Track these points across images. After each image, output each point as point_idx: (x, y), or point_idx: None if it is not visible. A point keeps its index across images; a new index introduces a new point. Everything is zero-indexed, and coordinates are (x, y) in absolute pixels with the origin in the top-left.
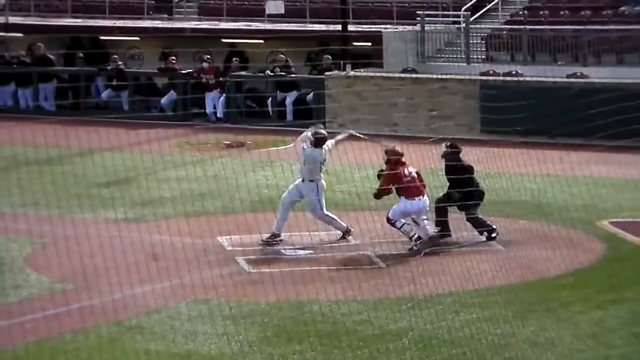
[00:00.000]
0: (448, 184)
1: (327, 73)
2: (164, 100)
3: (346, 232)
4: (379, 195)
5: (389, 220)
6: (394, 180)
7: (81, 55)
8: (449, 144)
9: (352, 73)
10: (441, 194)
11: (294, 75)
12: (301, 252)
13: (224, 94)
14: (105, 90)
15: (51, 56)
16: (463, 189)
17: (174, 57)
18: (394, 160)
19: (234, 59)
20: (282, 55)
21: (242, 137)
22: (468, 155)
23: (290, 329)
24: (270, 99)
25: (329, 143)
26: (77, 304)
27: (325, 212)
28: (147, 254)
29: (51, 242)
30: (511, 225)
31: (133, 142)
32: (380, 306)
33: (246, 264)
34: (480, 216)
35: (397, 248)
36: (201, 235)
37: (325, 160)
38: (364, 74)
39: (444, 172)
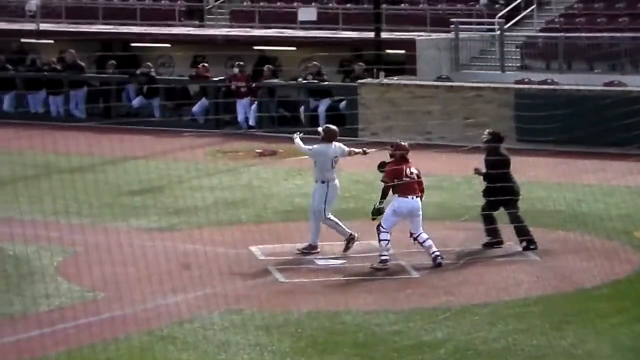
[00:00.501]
0: (485, 181)
1: (360, 80)
2: (195, 108)
3: (350, 240)
4: (384, 190)
5: (378, 227)
6: (396, 176)
7: (114, 62)
8: (491, 131)
9: (385, 81)
10: (484, 202)
11: (326, 82)
12: (334, 261)
13: (255, 102)
14: (136, 98)
15: (82, 63)
16: (500, 183)
17: (205, 64)
18: (399, 156)
19: (266, 66)
20: (314, 63)
21: (274, 145)
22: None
23: (324, 340)
24: (302, 106)
25: (345, 148)
26: (109, 314)
27: (328, 215)
28: (179, 263)
29: (83, 251)
30: (547, 235)
31: (164, 150)
32: (415, 316)
33: (279, 274)
34: (525, 222)
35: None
36: (233, 245)
37: (337, 157)
38: (397, 81)
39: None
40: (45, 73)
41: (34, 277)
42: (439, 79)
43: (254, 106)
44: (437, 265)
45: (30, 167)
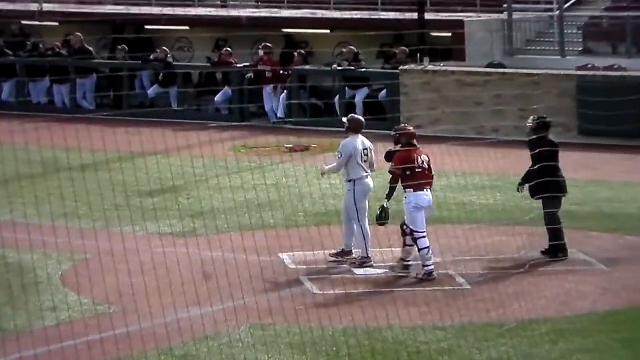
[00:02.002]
0: (529, 180)
1: (402, 67)
2: (218, 98)
3: (346, 254)
4: (391, 182)
5: (406, 230)
6: (407, 161)
7: (125, 47)
8: (536, 117)
9: (430, 67)
10: (546, 208)
11: (364, 69)
12: (374, 271)
13: (285, 91)
14: (151, 87)
15: (90, 48)
16: (546, 177)
17: (228, 49)
18: (406, 142)
19: (296, 51)
20: (350, 47)
21: (305, 139)
22: (564, 159)
23: (363, 359)
24: (337, 96)
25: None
26: (123, 329)
27: (364, 222)
28: (200, 273)
29: (93, 259)
30: (616, 241)
31: (182, 145)
32: (465, 333)
33: (312, 285)
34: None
35: (484, 266)
36: (260, 252)
37: (367, 150)
38: (444, 68)
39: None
40: (49, 59)
41: (38, 288)
42: (491, 65)
43: (283, 95)
44: (425, 278)
45: (36, 164)
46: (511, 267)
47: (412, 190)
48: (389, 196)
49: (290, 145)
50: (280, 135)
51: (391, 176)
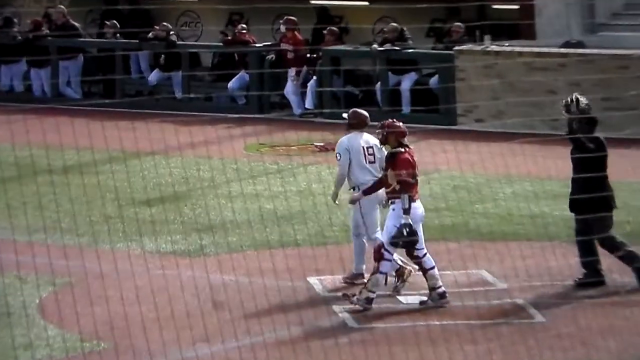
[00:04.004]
0: (571, 187)
1: (457, 47)
2: (232, 84)
3: (355, 277)
4: (400, 188)
5: (381, 245)
6: (410, 166)
7: (115, 22)
8: (574, 98)
9: (492, 47)
10: (578, 223)
11: (411, 49)
12: (424, 299)
13: (314, 76)
14: (151, 72)
15: (76, 24)
16: (592, 190)
17: (244, 25)
18: (395, 141)
19: (327, 28)
20: (394, 24)
21: (339, 136)
22: None
23: None
24: (379, 83)
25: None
26: None
27: (375, 235)
28: (207, 302)
29: (78, 283)
30: None
31: (187, 143)
32: None
33: (348, 316)
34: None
35: (561, 294)
36: (282, 276)
37: (372, 148)
38: (509, 48)
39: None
40: (27, 37)
41: (9, 320)
42: (567, 44)
43: (312, 82)
44: (439, 303)
45: (8, 166)
46: (597, 295)
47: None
48: (409, 210)
49: (320, 144)
50: (308, 131)
51: (399, 186)
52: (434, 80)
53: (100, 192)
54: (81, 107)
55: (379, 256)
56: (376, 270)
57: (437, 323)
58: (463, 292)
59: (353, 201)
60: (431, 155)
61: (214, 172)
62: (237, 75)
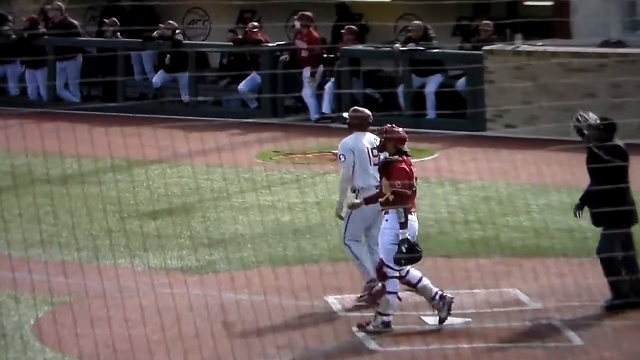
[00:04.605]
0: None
1: (486, 47)
2: (242, 86)
3: (371, 287)
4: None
5: (382, 264)
6: (406, 176)
7: (115, 20)
8: (600, 118)
9: (524, 47)
10: (600, 240)
11: (436, 49)
12: (454, 319)
13: (331, 78)
14: (156, 73)
15: (75, 22)
16: (611, 203)
17: (255, 24)
18: (393, 148)
19: (346, 26)
20: (418, 22)
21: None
22: None
23: None
24: (401, 86)
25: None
26: None
27: (347, 241)
28: (218, 322)
29: (77, 302)
30: None
31: (196, 150)
32: None
33: (370, 338)
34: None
35: (600, 314)
36: (298, 294)
37: (373, 150)
38: (542, 48)
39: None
40: (21, 36)
41: (5, 341)
42: (606, 43)
43: (329, 84)
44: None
45: (1, 175)
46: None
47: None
48: (406, 224)
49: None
50: (325, 137)
51: (393, 196)
52: (460, 83)
53: (101, 204)
54: (80, 112)
55: (382, 275)
56: (383, 291)
57: (467, 346)
58: (495, 312)
59: (354, 206)
60: (459, 164)
61: (224, 182)
62: (248, 77)
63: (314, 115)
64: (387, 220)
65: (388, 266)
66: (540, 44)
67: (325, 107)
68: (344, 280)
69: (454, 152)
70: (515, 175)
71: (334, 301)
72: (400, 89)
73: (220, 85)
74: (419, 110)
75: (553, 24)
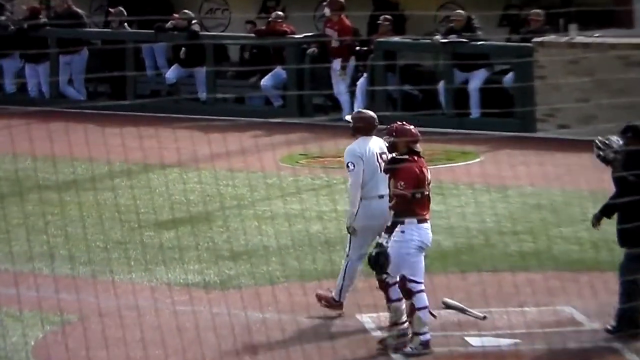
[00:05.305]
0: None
1: (536, 39)
2: (265, 82)
3: (332, 304)
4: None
5: (404, 280)
6: (418, 183)
7: (121, 9)
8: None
9: (579, 38)
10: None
11: (481, 41)
12: (496, 341)
13: (364, 74)
14: (170, 68)
15: (80, 11)
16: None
17: (280, 13)
18: (404, 147)
19: (382, 16)
20: (461, 11)
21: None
22: None
23: None
24: (442, 81)
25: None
26: None
27: (352, 264)
28: (241, 344)
29: (80, 322)
30: None
31: (211, 153)
32: None
33: None
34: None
35: None
36: (330, 312)
37: (385, 153)
38: (599, 39)
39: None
40: (21, 26)
41: None
42: None
43: (362, 80)
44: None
45: None
46: None
47: (414, 221)
48: (391, 230)
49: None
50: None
51: (394, 199)
52: (508, 78)
53: (107, 213)
54: (85, 111)
55: (407, 293)
56: (414, 308)
57: None
58: (548, 332)
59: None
60: (507, 168)
61: (246, 189)
62: (272, 72)
63: (345, 114)
64: (402, 232)
65: (412, 280)
66: (598, 34)
67: (358, 106)
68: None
69: (501, 155)
70: (571, 180)
71: (368, 320)
72: (441, 86)
73: (249, 82)
74: (462, 109)
75: (612, 13)
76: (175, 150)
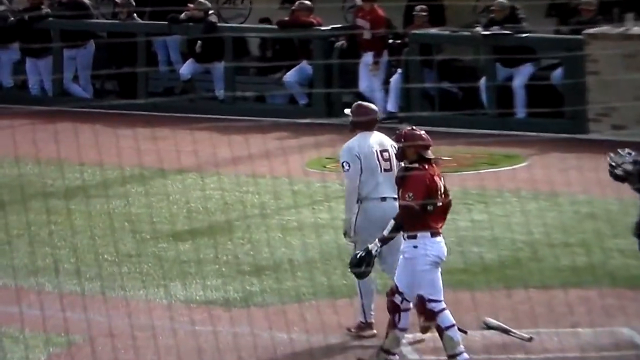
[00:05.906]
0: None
1: (588, 30)
2: (289, 78)
3: (362, 327)
4: (406, 220)
5: (423, 301)
6: (430, 194)
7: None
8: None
9: (636, 29)
10: None
11: (526, 34)
12: None
13: (398, 70)
14: (185, 63)
15: (86, 1)
16: None
17: (308, 2)
18: (415, 154)
19: (418, 6)
20: (504, 1)
21: (433, 147)
22: None
23: None
24: (484, 78)
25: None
26: None
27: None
28: None
29: (85, 343)
30: None
31: (229, 157)
32: None
33: None
34: None
35: None
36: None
37: (387, 151)
38: None
39: None
40: (21, 18)
41: None
42: None
43: (396, 76)
44: None
45: None
46: None
47: (427, 234)
48: (387, 240)
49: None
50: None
51: (400, 211)
52: (557, 75)
53: (118, 222)
54: (92, 110)
55: (431, 314)
56: (442, 329)
57: None
58: (604, 356)
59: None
60: (556, 173)
61: (268, 196)
62: (297, 67)
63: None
64: (415, 247)
65: (432, 300)
66: None
67: (392, 105)
68: (413, 315)
69: (550, 159)
70: (628, 187)
71: (403, 341)
72: (482, 83)
73: (272, 79)
74: (506, 108)
75: None
76: (192, 153)
